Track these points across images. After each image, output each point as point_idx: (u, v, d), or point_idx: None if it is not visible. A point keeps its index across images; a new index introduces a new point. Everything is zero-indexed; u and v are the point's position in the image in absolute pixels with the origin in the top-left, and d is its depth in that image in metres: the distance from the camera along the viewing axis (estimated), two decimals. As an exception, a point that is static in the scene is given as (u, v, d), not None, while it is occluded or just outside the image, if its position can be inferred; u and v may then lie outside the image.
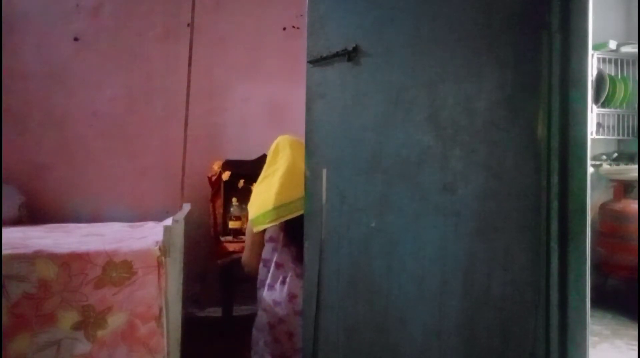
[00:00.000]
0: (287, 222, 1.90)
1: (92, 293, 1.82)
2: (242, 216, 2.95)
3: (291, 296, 1.85)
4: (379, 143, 1.39)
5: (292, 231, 1.87)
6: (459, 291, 1.20)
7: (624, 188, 3.27)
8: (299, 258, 1.76)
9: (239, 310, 2.93)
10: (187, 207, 2.59)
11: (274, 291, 1.88)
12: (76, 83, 3.13)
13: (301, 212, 1.67)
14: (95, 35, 3.15)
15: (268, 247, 1.94)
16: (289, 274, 1.88)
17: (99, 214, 3.07)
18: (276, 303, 1.86)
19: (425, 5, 1.29)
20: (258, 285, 1.96)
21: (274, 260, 1.91)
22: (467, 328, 1.19)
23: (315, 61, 1.57)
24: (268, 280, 1.90)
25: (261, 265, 1.96)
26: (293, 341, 1.84)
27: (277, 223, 1.89)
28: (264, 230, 1.94)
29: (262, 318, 1.90)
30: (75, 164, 3.13)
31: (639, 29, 3.02)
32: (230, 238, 2.89)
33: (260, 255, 1.96)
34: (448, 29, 1.24)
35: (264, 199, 1.93)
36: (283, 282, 1.88)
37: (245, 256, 2.06)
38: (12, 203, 2.78)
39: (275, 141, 2.06)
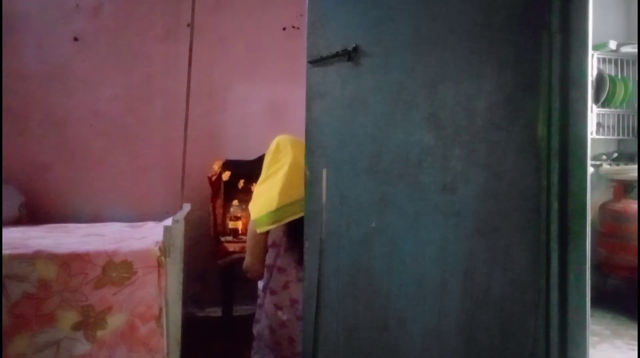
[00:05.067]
0: (291, 225, 1.85)
1: (92, 293, 1.82)
2: (242, 216, 2.95)
3: (293, 301, 1.83)
4: (379, 143, 1.39)
5: (295, 235, 1.84)
6: (459, 291, 1.20)
7: (624, 188, 3.27)
8: (301, 262, 1.73)
9: (239, 310, 2.93)
10: (187, 207, 2.59)
11: (276, 296, 1.86)
12: (76, 83, 3.13)
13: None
14: (95, 35, 3.16)
15: (271, 252, 1.90)
16: (292, 279, 1.85)
17: (99, 214, 3.07)
18: (278, 307, 1.84)
19: (425, 5, 1.29)
20: (260, 291, 1.93)
21: (277, 264, 1.88)
22: (467, 328, 1.19)
23: (315, 61, 1.56)
24: (270, 285, 1.87)
25: (264, 270, 1.92)
26: (294, 346, 1.83)
27: (280, 224, 1.84)
28: (267, 235, 1.90)
29: (263, 323, 1.88)
30: (75, 164, 3.13)
31: (639, 29, 3.02)
32: (230, 238, 2.89)
33: (263, 259, 1.91)
34: (448, 29, 1.24)
35: (266, 199, 1.88)
36: (285, 287, 1.86)
37: (247, 262, 1.97)
38: (12, 203, 2.78)
39: (275, 141, 2.00)
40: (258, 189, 1.98)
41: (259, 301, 1.94)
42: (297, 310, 1.82)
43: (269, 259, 1.90)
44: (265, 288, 1.90)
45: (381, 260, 1.38)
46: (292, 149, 1.92)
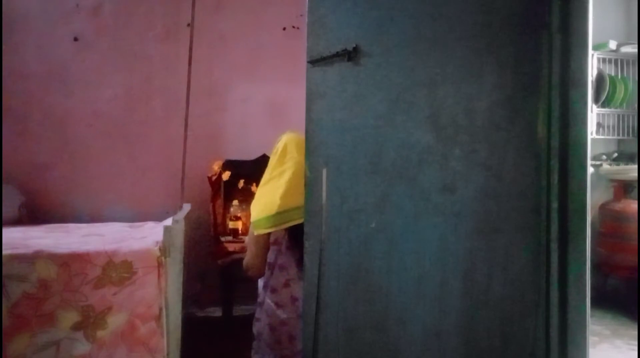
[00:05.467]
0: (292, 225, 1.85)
1: (92, 293, 1.82)
2: (242, 216, 2.95)
3: (293, 300, 1.84)
4: (379, 143, 1.39)
5: (296, 233, 1.84)
6: (459, 291, 1.20)
7: (624, 188, 3.27)
8: (302, 261, 1.74)
9: (239, 310, 2.93)
10: (187, 207, 2.59)
11: (276, 295, 1.86)
12: (76, 83, 3.13)
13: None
14: (95, 35, 3.16)
15: (272, 250, 1.90)
16: (292, 277, 1.86)
17: (99, 214, 3.07)
18: (279, 306, 1.85)
19: (425, 5, 1.29)
20: (261, 289, 1.93)
21: (278, 262, 1.88)
22: (467, 328, 1.19)
23: (315, 61, 1.56)
24: (271, 283, 1.88)
25: (265, 268, 1.92)
26: (294, 344, 1.83)
27: (279, 228, 1.84)
28: (269, 233, 1.90)
29: (263, 320, 1.88)
30: (75, 164, 3.13)
31: (639, 29, 3.02)
32: (230, 238, 2.89)
33: (264, 257, 1.91)
34: (448, 29, 1.24)
35: (267, 202, 1.87)
36: (286, 285, 1.86)
37: (248, 259, 1.97)
38: (12, 203, 2.78)
39: (284, 140, 1.96)
40: (261, 190, 1.97)
41: (259, 299, 1.94)
42: (297, 308, 1.82)
43: (270, 257, 1.90)
44: (265, 286, 1.90)
45: (381, 259, 1.38)
46: (298, 153, 1.89)
